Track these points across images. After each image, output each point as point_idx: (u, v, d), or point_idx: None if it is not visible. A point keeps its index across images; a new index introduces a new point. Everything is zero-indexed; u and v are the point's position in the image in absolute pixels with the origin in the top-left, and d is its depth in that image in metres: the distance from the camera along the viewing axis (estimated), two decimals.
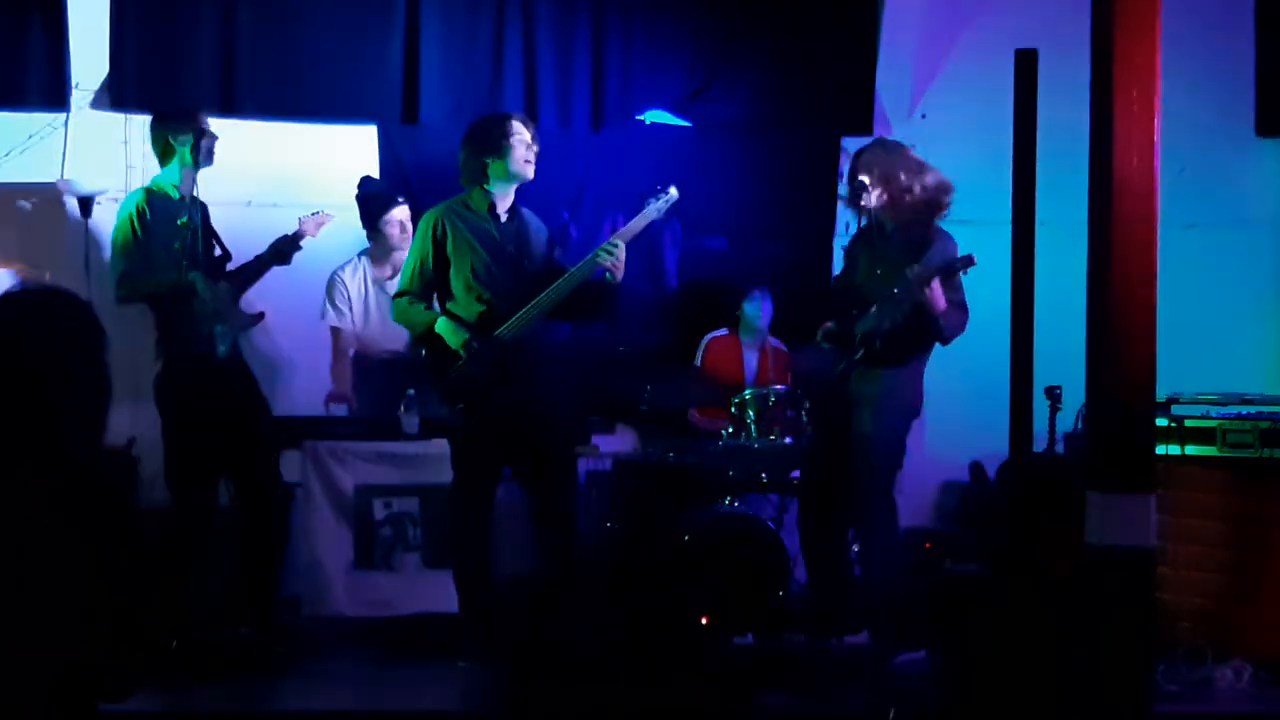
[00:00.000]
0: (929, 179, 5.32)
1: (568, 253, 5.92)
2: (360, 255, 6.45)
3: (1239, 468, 5.40)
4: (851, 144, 6.16)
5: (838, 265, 6.27)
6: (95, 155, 6.50)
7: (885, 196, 5.31)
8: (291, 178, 6.72)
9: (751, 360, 6.79)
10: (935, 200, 5.31)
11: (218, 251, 5.78)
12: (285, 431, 5.88)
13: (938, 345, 5.34)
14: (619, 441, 6.69)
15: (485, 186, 5.42)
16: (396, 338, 6.45)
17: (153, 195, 5.62)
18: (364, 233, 6.43)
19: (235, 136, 6.40)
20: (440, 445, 5.95)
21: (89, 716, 2.46)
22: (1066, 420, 6.08)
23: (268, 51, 6.54)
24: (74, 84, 6.41)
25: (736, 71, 6.96)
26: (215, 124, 5.93)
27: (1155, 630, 4.16)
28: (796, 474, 6.01)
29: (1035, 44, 5.66)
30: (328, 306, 6.40)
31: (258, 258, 5.83)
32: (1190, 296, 6.16)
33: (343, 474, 5.91)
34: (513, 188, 5.45)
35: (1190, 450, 5.44)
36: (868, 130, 6.86)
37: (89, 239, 6.34)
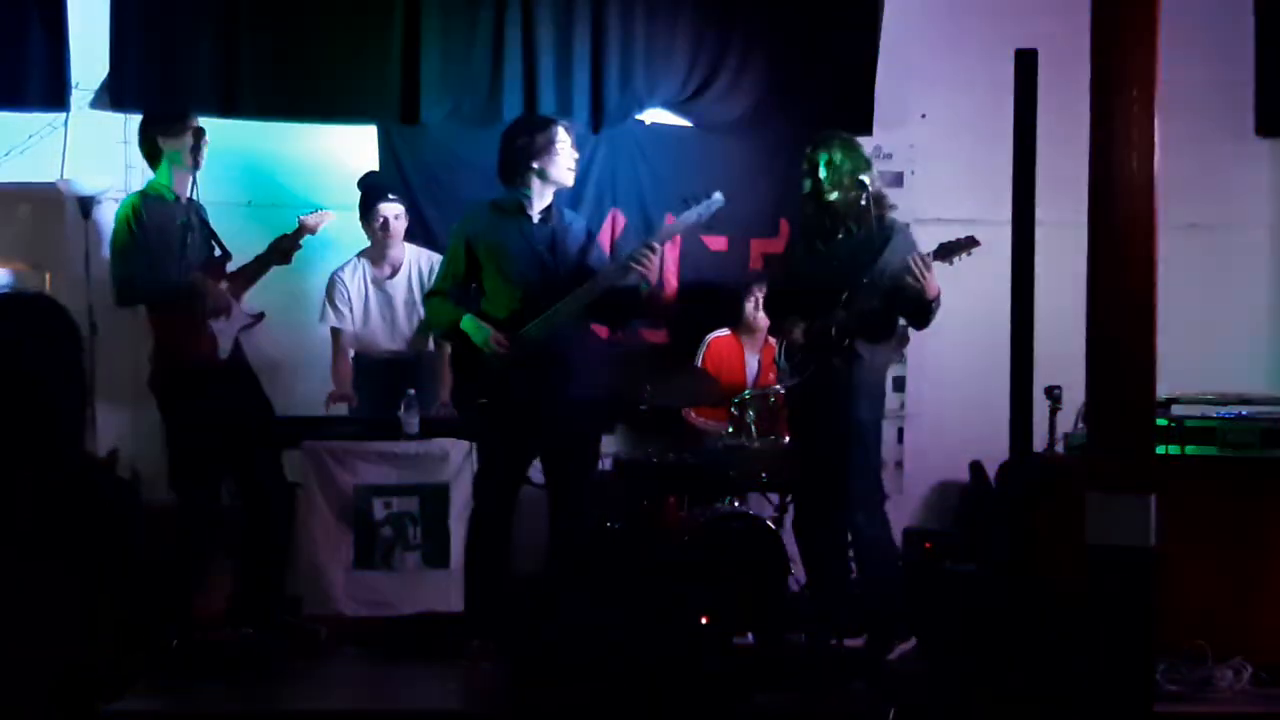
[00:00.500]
0: (875, 173, 5.55)
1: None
2: (359, 256, 6.46)
3: (1239, 468, 5.40)
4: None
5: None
6: (95, 155, 6.49)
7: (845, 190, 5.44)
8: (291, 178, 6.73)
9: (753, 361, 6.78)
10: (882, 194, 5.55)
11: (217, 252, 5.79)
12: (285, 431, 5.89)
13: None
14: (619, 441, 6.70)
15: (523, 189, 5.46)
16: (396, 338, 6.46)
17: (148, 198, 5.62)
18: (364, 233, 6.44)
19: (235, 136, 6.42)
20: (440, 445, 5.97)
21: (89, 716, 2.46)
22: (1066, 420, 6.08)
23: (268, 52, 6.53)
24: (74, 84, 6.41)
25: (736, 71, 6.95)
26: (216, 124, 5.94)
27: (1155, 630, 4.16)
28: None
29: (1035, 44, 5.66)
30: (327, 307, 6.41)
31: (258, 257, 5.84)
32: (1190, 296, 6.15)
33: (343, 474, 5.92)
34: (551, 190, 5.50)
35: (1190, 450, 5.44)
36: (868, 130, 6.86)
37: (89, 239, 6.34)
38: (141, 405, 6.01)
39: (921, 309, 5.40)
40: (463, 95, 6.69)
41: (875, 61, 7.01)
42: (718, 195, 5.48)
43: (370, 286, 6.43)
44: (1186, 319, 5.54)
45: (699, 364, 6.68)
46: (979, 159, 6.36)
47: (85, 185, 6.40)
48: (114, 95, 6.44)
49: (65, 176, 6.44)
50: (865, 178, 5.47)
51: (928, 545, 6.30)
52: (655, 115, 7.00)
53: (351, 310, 6.41)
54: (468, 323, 5.41)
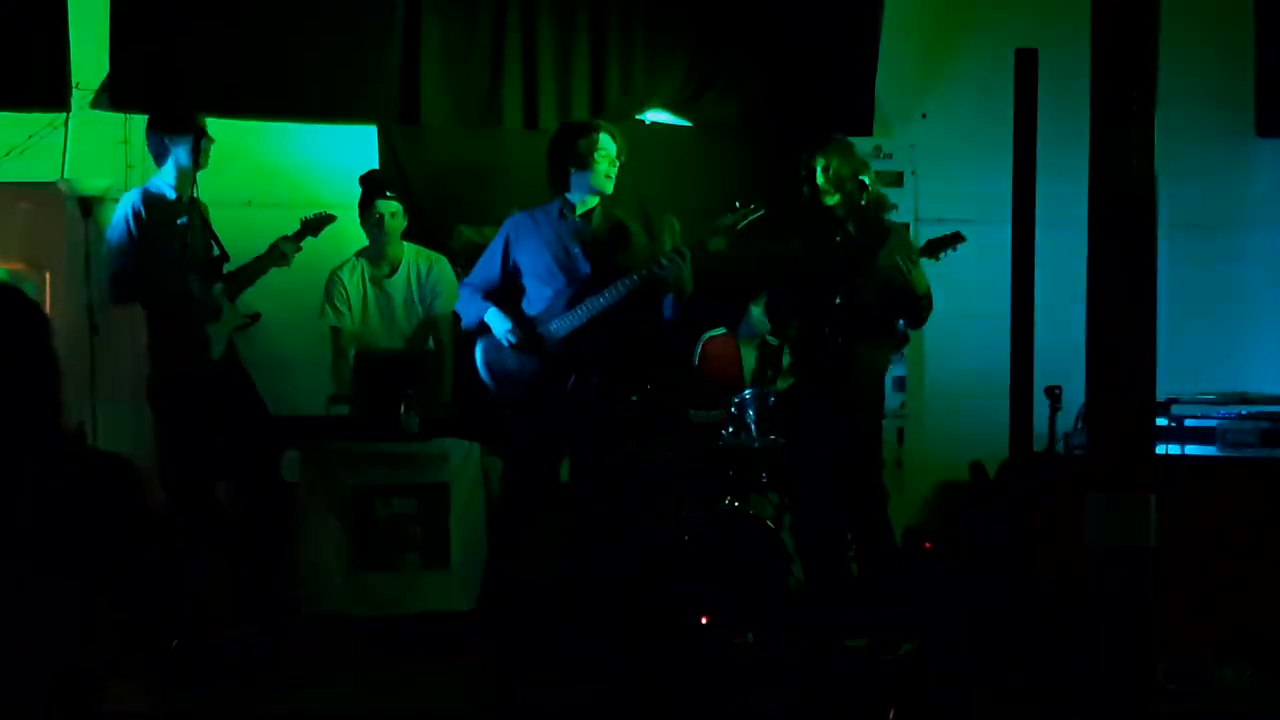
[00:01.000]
0: (873, 175, 5.68)
1: None
2: (358, 255, 6.46)
3: (1239, 468, 5.40)
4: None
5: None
6: (95, 155, 6.49)
7: (843, 192, 5.53)
8: (291, 178, 6.73)
9: (750, 359, 6.77)
10: (881, 196, 5.67)
11: (216, 252, 5.80)
12: (285, 431, 5.89)
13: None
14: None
15: (565, 194, 5.66)
16: (396, 337, 6.46)
17: (149, 196, 5.63)
18: (363, 233, 6.44)
19: (235, 136, 6.42)
20: (440, 445, 5.97)
21: (89, 716, 2.46)
22: (1067, 420, 6.07)
23: (268, 51, 6.53)
24: (74, 84, 6.41)
25: (736, 71, 6.95)
26: (216, 124, 5.94)
27: (1155, 630, 4.16)
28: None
29: (1035, 44, 5.66)
30: (327, 306, 6.41)
31: (257, 258, 5.84)
32: (1190, 296, 6.15)
33: (343, 474, 5.91)
34: (593, 195, 5.67)
35: (1190, 450, 5.45)
36: (868, 130, 6.86)
37: (89, 239, 6.33)
38: (142, 405, 6.01)
39: (912, 307, 5.48)
40: (463, 95, 6.69)
41: (875, 61, 7.01)
42: (759, 206, 5.63)
43: (369, 285, 6.43)
44: (1187, 319, 5.55)
45: (695, 363, 6.67)
46: (979, 159, 6.35)
47: (85, 185, 6.40)
48: (114, 95, 6.43)
49: (65, 176, 6.44)
50: (863, 179, 5.52)
51: (928, 545, 6.30)
52: (655, 115, 6.99)
53: (350, 309, 6.41)
54: (492, 316, 5.68)
